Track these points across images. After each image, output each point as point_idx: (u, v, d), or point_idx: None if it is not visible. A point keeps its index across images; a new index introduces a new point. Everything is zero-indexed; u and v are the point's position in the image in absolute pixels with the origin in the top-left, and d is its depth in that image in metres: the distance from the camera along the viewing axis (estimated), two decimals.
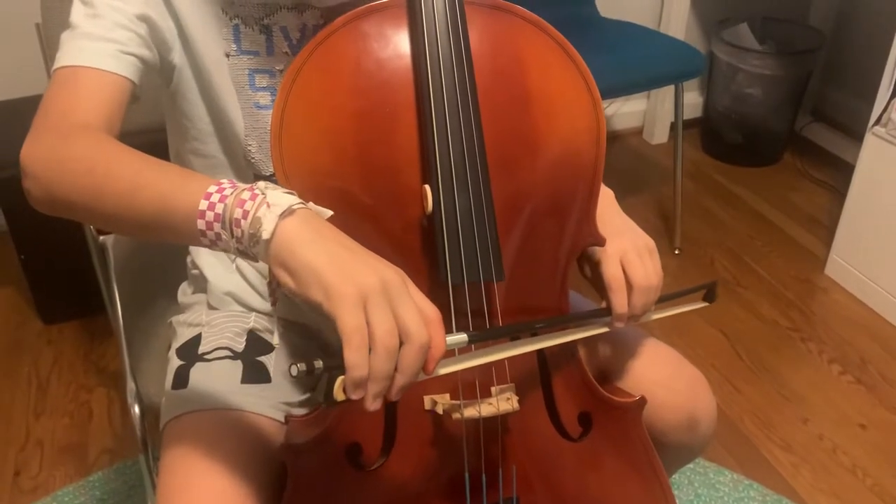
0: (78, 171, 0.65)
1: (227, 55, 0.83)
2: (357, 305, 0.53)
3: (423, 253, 0.74)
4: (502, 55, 0.77)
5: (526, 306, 0.79)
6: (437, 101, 0.72)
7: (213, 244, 0.59)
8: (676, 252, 2.21)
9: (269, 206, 0.57)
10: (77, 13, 0.76)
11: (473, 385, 0.75)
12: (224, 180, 0.60)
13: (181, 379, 0.88)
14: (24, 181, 0.68)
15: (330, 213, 0.61)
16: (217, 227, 0.58)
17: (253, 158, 0.86)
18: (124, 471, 1.55)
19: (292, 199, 0.58)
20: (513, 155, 0.76)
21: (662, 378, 0.91)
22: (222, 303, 0.94)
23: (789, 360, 1.85)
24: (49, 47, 1.04)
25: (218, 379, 0.86)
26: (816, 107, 2.80)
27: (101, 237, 1.15)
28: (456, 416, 0.72)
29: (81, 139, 0.67)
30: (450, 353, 0.66)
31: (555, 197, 0.78)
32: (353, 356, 0.53)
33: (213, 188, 0.59)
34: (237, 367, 0.87)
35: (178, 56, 0.83)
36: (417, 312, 0.55)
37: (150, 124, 0.98)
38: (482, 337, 0.68)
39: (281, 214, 0.56)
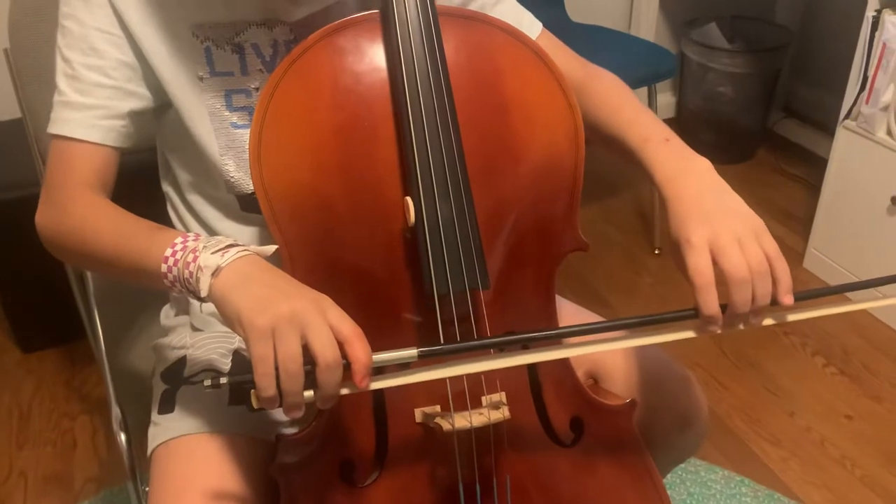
0: (74, 242, 0.77)
1: (201, 78, 0.82)
2: (265, 336, 0.60)
3: (408, 264, 0.74)
4: (478, 64, 0.77)
5: (513, 312, 0.79)
6: (415, 113, 0.72)
7: (181, 295, 0.70)
8: (656, 252, 2.22)
9: (201, 269, 0.65)
10: (59, 72, 0.81)
11: (463, 395, 0.75)
12: (178, 240, 0.68)
13: (167, 403, 0.86)
14: (42, 241, 0.82)
15: (272, 249, 0.69)
16: (178, 286, 0.68)
17: (232, 177, 0.85)
18: (111, 499, 1.52)
19: (219, 260, 0.65)
20: (493, 162, 0.76)
21: (652, 380, 0.91)
22: (206, 324, 0.93)
23: (773, 355, 1.86)
24: (18, 72, 1.02)
25: (205, 401, 0.85)
26: (787, 103, 2.83)
27: None
28: (447, 427, 0.71)
29: (75, 212, 0.77)
30: (430, 363, 0.67)
31: (536, 203, 0.78)
32: (260, 381, 0.61)
33: (168, 251, 0.68)
34: (223, 388, 0.86)
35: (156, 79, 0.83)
36: (326, 335, 0.61)
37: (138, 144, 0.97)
38: (434, 353, 0.66)
39: (212, 275, 0.65)
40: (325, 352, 0.61)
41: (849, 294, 0.80)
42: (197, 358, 0.90)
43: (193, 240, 0.68)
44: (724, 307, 0.68)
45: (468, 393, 0.75)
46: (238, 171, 0.85)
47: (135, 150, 0.86)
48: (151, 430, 0.86)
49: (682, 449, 0.97)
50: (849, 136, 1.92)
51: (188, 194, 0.92)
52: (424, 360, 0.66)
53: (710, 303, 0.68)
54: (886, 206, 1.85)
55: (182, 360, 0.91)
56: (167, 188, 0.95)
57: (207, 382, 0.64)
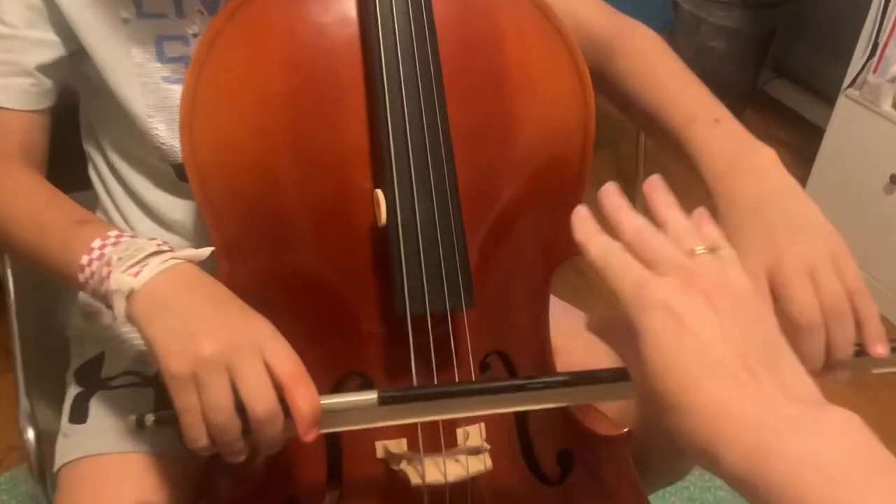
0: None
1: (126, 21, 0.66)
2: (186, 385, 0.50)
3: (375, 273, 0.60)
4: (472, 22, 0.62)
5: (499, 331, 0.65)
6: (392, 81, 0.57)
7: None
8: None
9: (112, 292, 0.53)
10: None
11: (436, 429, 0.62)
12: (96, 244, 0.55)
13: (79, 411, 0.73)
14: None
15: (207, 252, 0.56)
16: (99, 298, 0.56)
17: (163, 144, 0.70)
18: None
19: (133, 282, 0.52)
20: (484, 148, 0.62)
21: None
22: None
23: None
24: None
25: (124, 412, 0.71)
26: (778, 62, 2.70)
27: None
28: (415, 480, 0.58)
29: None
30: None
31: (533, 199, 0.64)
32: (187, 433, 0.51)
33: (84, 258, 0.55)
34: (147, 396, 0.72)
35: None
36: (258, 381, 0.50)
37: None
38: (399, 399, 0.53)
39: (126, 298, 0.53)
40: (257, 404, 0.50)
41: None
42: (118, 356, 0.76)
43: (112, 244, 0.55)
44: None
45: (442, 426, 0.62)
46: (171, 137, 0.70)
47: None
48: (60, 443, 0.73)
49: (677, 472, 0.87)
50: (850, 107, 1.79)
51: (113, 159, 0.76)
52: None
53: None
54: (884, 184, 1.74)
55: (100, 358, 0.76)
56: (89, 148, 0.79)
57: (132, 419, 0.54)
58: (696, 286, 0.39)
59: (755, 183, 0.57)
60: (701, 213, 0.45)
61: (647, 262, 0.41)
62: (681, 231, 0.43)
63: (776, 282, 0.53)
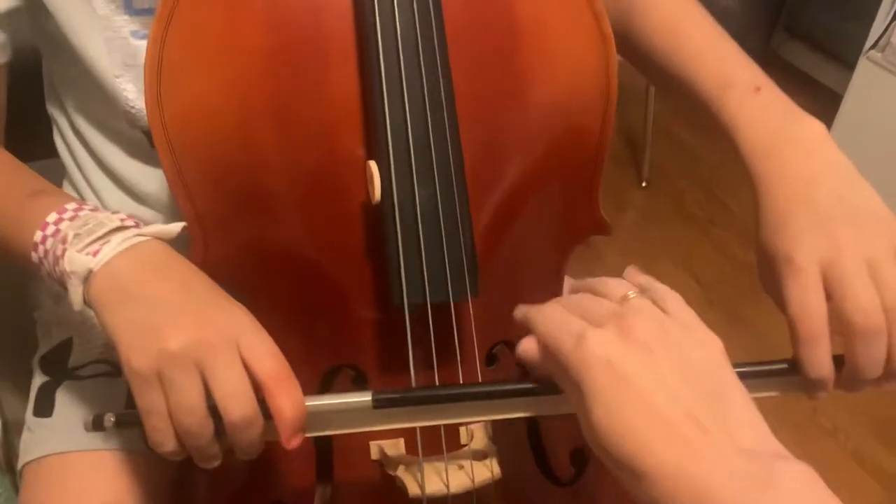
0: None
1: None
2: (150, 383, 0.44)
3: (369, 254, 0.53)
4: None
5: (507, 321, 0.59)
6: (388, 36, 0.50)
7: None
8: (644, 185, 2.03)
9: (67, 274, 0.47)
10: None
11: (436, 428, 0.56)
12: (51, 218, 0.49)
13: (45, 403, 0.67)
14: None
15: (178, 228, 0.50)
16: (56, 281, 0.49)
17: (133, 108, 0.63)
18: None
19: (90, 262, 0.46)
20: (492, 114, 0.54)
21: None
22: None
23: (765, 310, 1.69)
24: None
25: (93, 405, 0.65)
26: (792, 22, 2.60)
27: None
28: (414, 490, 0.52)
29: None
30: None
31: (548, 176, 0.57)
32: (151, 436, 0.45)
33: (38, 235, 0.49)
34: (120, 387, 0.66)
35: None
36: (234, 379, 0.44)
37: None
38: (396, 402, 0.47)
39: (83, 280, 0.47)
40: (232, 407, 0.43)
41: None
42: (87, 343, 0.69)
43: (70, 218, 0.49)
44: (838, 359, 0.47)
45: (443, 425, 0.56)
46: (141, 100, 0.63)
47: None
48: (25, 437, 0.67)
49: None
50: (872, 70, 1.71)
51: (79, 123, 0.69)
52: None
53: (818, 361, 0.46)
54: None
55: (67, 344, 0.70)
56: (53, 111, 0.72)
57: (88, 420, 0.49)
58: (632, 334, 0.39)
59: (802, 162, 0.50)
60: (630, 269, 0.47)
61: (584, 318, 0.41)
62: (610, 283, 0.44)
63: (831, 279, 0.46)
